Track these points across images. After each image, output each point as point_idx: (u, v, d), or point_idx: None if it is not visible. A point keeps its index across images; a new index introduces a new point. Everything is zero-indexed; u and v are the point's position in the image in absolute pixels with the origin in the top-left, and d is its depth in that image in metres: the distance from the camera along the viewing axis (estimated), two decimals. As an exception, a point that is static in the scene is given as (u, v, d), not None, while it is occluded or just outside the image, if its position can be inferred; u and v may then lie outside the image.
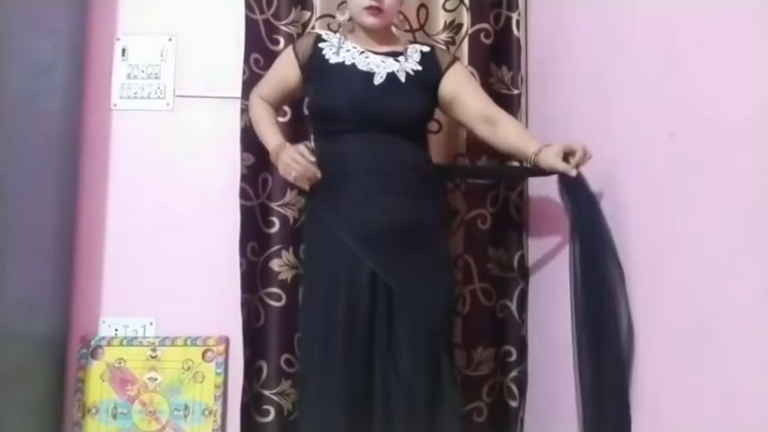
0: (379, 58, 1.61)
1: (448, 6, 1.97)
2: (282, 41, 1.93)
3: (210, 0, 2.04)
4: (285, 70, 1.67)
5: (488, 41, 1.94)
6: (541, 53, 1.89)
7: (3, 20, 1.72)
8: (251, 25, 1.91)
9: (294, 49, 1.67)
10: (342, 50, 1.62)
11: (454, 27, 1.97)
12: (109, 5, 2.02)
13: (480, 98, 1.65)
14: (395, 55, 1.63)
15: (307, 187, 1.56)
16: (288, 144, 1.59)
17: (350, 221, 1.52)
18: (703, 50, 1.01)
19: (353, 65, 1.59)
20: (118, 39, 2.02)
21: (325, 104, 1.59)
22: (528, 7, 1.98)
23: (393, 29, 1.70)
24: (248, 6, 1.91)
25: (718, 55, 0.97)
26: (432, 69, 1.64)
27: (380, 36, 1.64)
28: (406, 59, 1.62)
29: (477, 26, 1.94)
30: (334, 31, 1.70)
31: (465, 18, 1.96)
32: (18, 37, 1.76)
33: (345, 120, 1.55)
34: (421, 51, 1.67)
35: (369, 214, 1.52)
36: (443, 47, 1.89)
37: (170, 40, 2.03)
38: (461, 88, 1.63)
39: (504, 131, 1.57)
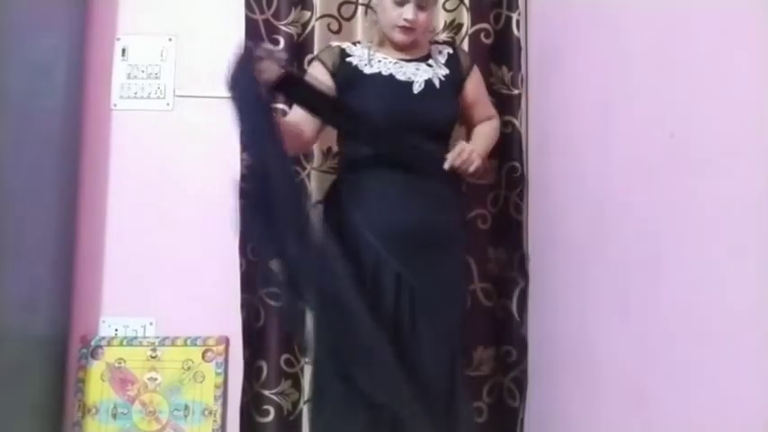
0: (413, 65, 1.63)
1: (448, 6, 1.97)
2: (282, 41, 1.92)
3: (210, 0, 2.04)
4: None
5: (488, 41, 1.95)
6: (541, 53, 1.89)
7: (3, 20, 1.72)
8: (251, 25, 1.91)
9: (321, 60, 1.64)
10: (374, 61, 1.62)
11: (454, 27, 1.97)
12: (109, 5, 2.02)
13: (486, 110, 1.78)
14: (425, 59, 1.66)
15: None
16: None
17: (379, 222, 1.53)
18: (703, 50, 1.01)
19: (391, 75, 1.60)
20: (118, 39, 2.02)
21: (367, 113, 1.57)
22: (528, 7, 1.98)
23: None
24: (248, 6, 1.91)
25: (719, 55, 0.97)
26: (456, 72, 1.68)
27: (407, 45, 1.65)
28: (436, 63, 1.66)
29: (478, 26, 1.94)
30: (354, 43, 1.69)
31: (465, 18, 1.96)
32: (18, 37, 1.76)
33: (388, 128, 1.55)
34: (448, 53, 1.70)
35: (398, 215, 1.53)
36: (462, 48, 1.88)
37: (170, 40, 2.03)
38: (478, 99, 1.74)
39: (474, 132, 1.75)
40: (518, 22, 1.96)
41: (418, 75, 1.61)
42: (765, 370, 0.84)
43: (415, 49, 1.66)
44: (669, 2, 1.12)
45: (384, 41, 1.66)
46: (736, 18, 0.93)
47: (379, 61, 1.63)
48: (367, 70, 1.61)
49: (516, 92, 1.95)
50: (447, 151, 1.60)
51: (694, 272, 1.01)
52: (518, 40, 1.96)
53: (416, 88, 1.59)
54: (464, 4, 1.97)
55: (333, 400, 1.51)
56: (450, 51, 1.71)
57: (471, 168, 1.56)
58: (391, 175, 1.55)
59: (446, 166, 1.53)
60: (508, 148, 1.94)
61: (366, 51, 1.64)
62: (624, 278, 1.25)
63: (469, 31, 1.95)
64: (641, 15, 1.22)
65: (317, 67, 1.64)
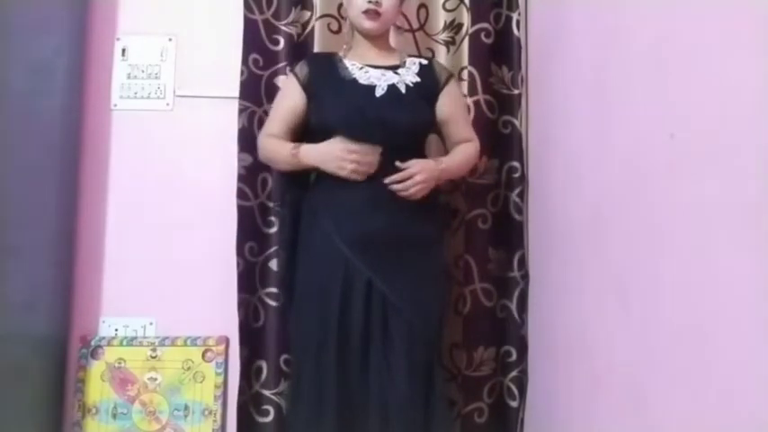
0: (379, 71, 1.63)
1: (448, 6, 1.97)
2: (282, 41, 1.93)
3: (210, 0, 2.04)
4: (291, 98, 1.65)
5: (488, 41, 1.95)
6: (541, 53, 1.89)
7: (3, 20, 1.72)
8: (250, 25, 1.91)
9: (294, 72, 1.68)
10: (341, 67, 1.64)
11: (454, 27, 1.97)
12: (109, 5, 2.02)
13: (464, 130, 1.71)
14: (394, 68, 1.65)
15: (363, 177, 1.54)
16: (311, 145, 1.58)
17: (349, 229, 1.53)
18: (703, 50, 1.01)
19: (354, 80, 1.61)
20: (118, 39, 2.02)
21: (329, 119, 1.58)
22: (528, 7, 1.98)
23: (391, 40, 1.74)
24: (247, 6, 1.91)
25: (718, 55, 0.97)
26: (430, 81, 1.67)
27: (379, 47, 1.67)
28: (406, 71, 1.65)
29: (478, 26, 1.94)
30: (334, 53, 1.71)
31: (465, 18, 1.96)
32: (18, 37, 1.76)
33: (349, 132, 1.55)
34: (420, 63, 1.70)
35: (368, 223, 1.54)
36: (441, 62, 1.87)
37: (170, 40, 2.03)
38: (453, 116, 1.69)
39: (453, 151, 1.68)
40: (518, 21, 1.96)
41: (382, 80, 1.61)
42: (765, 370, 0.84)
43: (386, 56, 1.67)
44: (669, 2, 1.12)
45: (356, 46, 1.67)
46: (736, 18, 0.93)
47: (347, 68, 1.64)
48: (334, 76, 1.63)
49: (516, 92, 1.96)
50: (420, 157, 1.60)
51: (694, 272, 1.01)
52: (518, 39, 1.96)
53: (378, 92, 1.60)
54: (464, 4, 1.97)
55: (306, 395, 1.52)
56: (425, 62, 1.71)
57: (405, 195, 1.54)
58: (364, 183, 1.54)
59: (386, 180, 1.53)
60: (508, 148, 1.94)
61: (337, 59, 1.67)
62: (624, 278, 1.25)
63: (469, 31, 1.95)
64: (641, 15, 1.22)
65: (291, 79, 1.68)
